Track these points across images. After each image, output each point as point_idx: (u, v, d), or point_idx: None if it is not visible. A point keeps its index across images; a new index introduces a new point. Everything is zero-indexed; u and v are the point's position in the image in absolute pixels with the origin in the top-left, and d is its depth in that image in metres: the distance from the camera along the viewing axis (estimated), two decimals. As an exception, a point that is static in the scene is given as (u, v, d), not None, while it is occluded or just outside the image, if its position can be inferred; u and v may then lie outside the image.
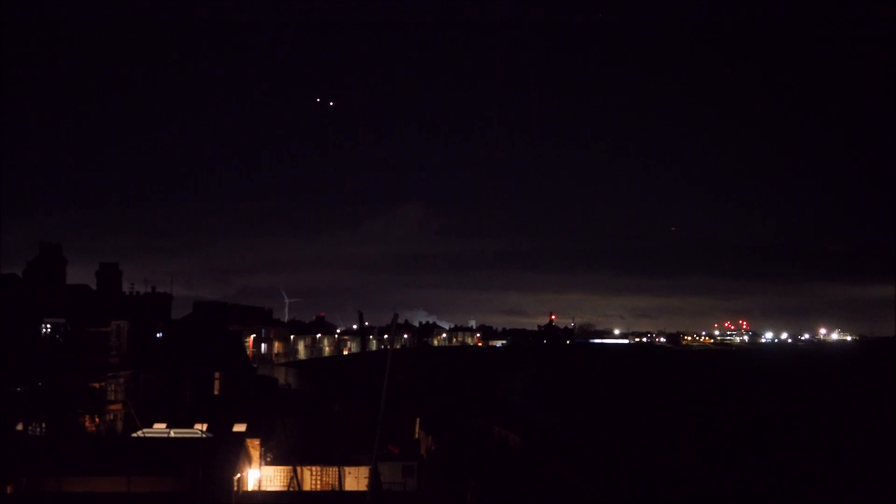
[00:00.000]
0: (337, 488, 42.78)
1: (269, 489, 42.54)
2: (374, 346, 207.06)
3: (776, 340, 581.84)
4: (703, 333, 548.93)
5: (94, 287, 56.17)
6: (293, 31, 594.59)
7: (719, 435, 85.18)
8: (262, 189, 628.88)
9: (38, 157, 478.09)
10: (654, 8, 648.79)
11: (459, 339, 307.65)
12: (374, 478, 34.04)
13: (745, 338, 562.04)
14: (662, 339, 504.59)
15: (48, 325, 46.32)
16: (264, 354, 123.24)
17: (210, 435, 42.32)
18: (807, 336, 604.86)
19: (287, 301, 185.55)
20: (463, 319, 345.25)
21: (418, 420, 62.70)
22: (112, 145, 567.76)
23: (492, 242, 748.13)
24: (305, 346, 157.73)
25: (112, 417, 50.60)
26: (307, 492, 42.40)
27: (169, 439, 41.10)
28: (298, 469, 43.76)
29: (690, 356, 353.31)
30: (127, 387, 52.79)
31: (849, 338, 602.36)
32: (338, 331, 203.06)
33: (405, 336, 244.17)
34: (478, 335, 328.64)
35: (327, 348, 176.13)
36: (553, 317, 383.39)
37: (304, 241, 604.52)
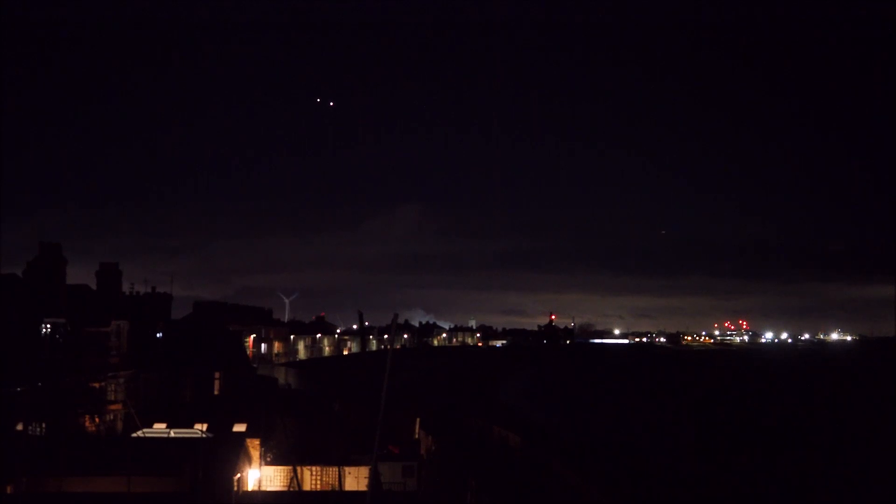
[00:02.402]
0: (337, 488, 42.75)
1: (269, 489, 42.57)
2: (374, 346, 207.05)
3: (776, 340, 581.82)
4: (703, 333, 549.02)
5: (94, 287, 56.14)
6: (293, 31, 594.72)
7: (719, 435, 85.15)
8: (262, 189, 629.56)
9: (38, 157, 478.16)
10: (654, 8, 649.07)
11: (459, 339, 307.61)
12: (374, 478, 34.03)
13: (745, 338, 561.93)
14: (662, 339, 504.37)
15: (48, 325, 46.31)
16: (264, 354, 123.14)
17: (210, 435, 42.30)
18: (807, 336, 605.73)
19: (287, 300, 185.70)
20: (463, 319, 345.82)
21: (418, 420, 62.70)
22: (112, 145, 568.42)
23: (492, 242, 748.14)
24: (305, 346, 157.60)
25: (112, 417, 50.59)
26: (307, 492, 42.41)
27: (169, 439, 41.09)
28: (298, 469, 43.78)
29: (690, 356, 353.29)
30: (127, 387, 52.80)
31: (849, 338, 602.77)
32: (338, 331, 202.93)
33: (405, 336, 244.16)
34: (478, 335, 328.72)
35: (327, 348, 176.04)
36: (553, 317, 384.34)
37: (304, 241, 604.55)
